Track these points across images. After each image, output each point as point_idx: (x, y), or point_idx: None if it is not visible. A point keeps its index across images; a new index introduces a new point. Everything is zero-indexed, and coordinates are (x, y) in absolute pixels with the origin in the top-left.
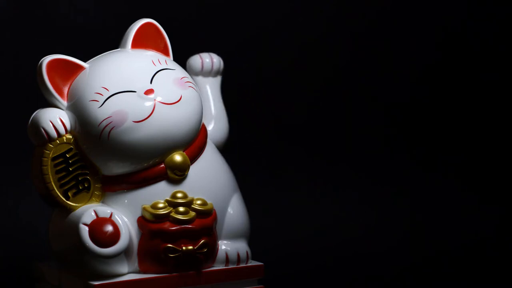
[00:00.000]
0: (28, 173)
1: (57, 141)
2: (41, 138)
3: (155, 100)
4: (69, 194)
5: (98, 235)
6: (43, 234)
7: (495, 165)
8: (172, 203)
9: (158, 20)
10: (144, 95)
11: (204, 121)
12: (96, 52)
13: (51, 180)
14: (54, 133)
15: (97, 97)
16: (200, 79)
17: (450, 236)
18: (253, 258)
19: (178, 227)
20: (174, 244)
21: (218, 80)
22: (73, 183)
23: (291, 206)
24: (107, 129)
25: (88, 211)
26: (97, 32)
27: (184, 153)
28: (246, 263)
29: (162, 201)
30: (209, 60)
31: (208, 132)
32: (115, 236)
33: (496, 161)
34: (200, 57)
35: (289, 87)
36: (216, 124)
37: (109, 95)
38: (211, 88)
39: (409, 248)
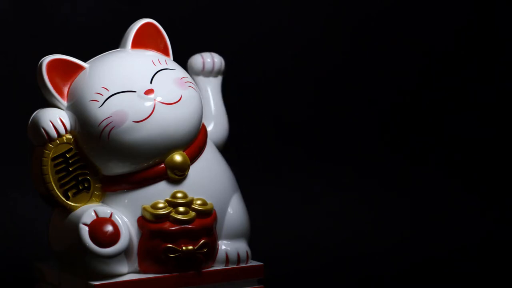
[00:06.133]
0: (28, 173)
1: (57, 141)
2: (41, 138)
3: (155, 100)
4: (69, 194)
5: (98, 235)
6: (43, 234)
7: (496, 165)
8: (172, 203)
9: (158, 20)
10: (144, 95)
11: (204, 121)
12: (96, 52)
13: (51, 180)
14: (54, 133)
15: (97, 97)
16: (200, 79)
17: (450, 236)
18: (253, 258)
19: (178, 227)
20: (174, 244)
21: (219, 80)
22: (73, 183)
23: (291, 206)
24: (107, 129)
25: (88, 211)
26: (97, 32)
27: (184, 153)
28: (246, 263)
29: (162, 201)
30: (211, 60)
31: (208, 132)
32: (115, 236)
33: (497, 161)
34: (201, 56)
35: (289, 87)
36: (216, 124)
37: (109, 95)
38: (212, 88)
39: (409, 248)
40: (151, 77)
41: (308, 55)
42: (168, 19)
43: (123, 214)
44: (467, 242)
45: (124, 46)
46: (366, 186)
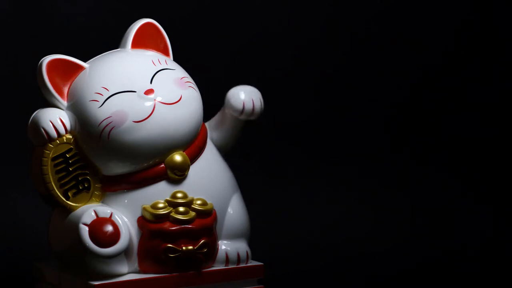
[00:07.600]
0: (28, 173)
1: (57, 141)
2: (41, 138)
3: (155, 100)
4: (69, 194)
5: (98, 235)
6: (43, 234)
7: (495, 165)
8: (172, 203)
9: (158, 20)
10: (144, 95)
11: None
12: (96, 52)
13: (51, 180)
14: (54, 133)
15: (97, 97)
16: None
17: (450, 236)
18: (253, 258)
19: (178, 227)
20: (174, 244)
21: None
22: (73, 183)
23: (291, 206)
24: (107, 129)
25: (88, 211)
26: (97, 32)
27: (184, 153)
28: (246, 263)
29: (162, 201)
30: (251, 105)
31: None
32: (115, 236)
33: (497, 161)
34: (243, 102)
35: (289, 87)
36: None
37: (109, 95)
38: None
39: (409, 248)
40: (151, 77)
41: (308, 55)
42: (168, 19)
43: (123, 214)
44: (467, 242)
45: (124, 46)
46: (366, 186)
